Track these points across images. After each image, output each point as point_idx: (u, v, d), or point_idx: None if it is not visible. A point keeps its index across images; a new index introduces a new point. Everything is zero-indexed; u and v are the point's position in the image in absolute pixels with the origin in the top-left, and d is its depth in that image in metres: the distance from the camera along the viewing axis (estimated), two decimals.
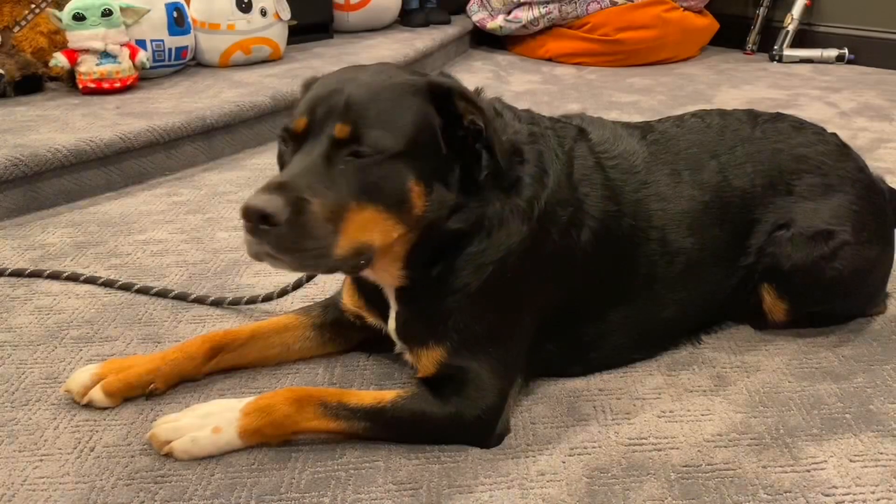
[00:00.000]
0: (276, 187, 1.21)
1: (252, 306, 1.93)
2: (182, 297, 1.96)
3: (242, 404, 1.42)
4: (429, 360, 1.47)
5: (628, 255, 1.63)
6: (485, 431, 1.44)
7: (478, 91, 1.57)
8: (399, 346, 1.58)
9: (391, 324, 1.55)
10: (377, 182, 1.27)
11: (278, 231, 1.19)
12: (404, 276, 1.44)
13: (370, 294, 1.59)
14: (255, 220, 1.20)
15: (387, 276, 1.47)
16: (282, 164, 1.40)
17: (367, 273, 1.45)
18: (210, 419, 1.42)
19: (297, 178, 1.23)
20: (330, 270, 1.33)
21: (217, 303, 1.93)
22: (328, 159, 1.26)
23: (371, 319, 1.63)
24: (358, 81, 1.33)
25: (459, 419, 1.43)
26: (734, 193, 1.74)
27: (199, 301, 1.94)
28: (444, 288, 1.44)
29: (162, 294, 1.97)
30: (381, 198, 1.28)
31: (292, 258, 1.24)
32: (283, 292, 1.90)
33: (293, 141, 1.32)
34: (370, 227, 1.29)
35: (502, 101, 1.60)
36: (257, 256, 1.25)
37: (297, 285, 1.89)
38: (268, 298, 1.90)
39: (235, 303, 1.92)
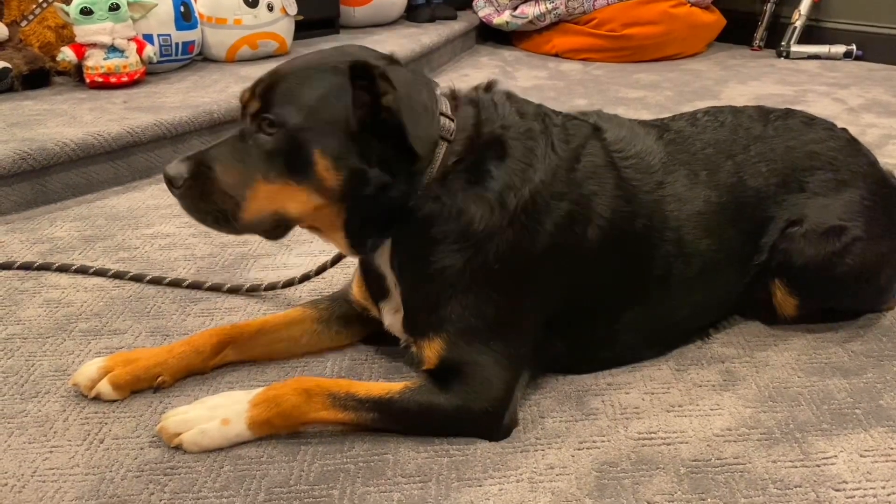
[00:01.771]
0: (188, 157, 1.38)
1: (264, 295, 1.94)
2: (196, 286, 1.98)
3: (251, 396, 1.42)
4: (431, 351, 1.48)
5: (642, 255, 1.62)
6: (492, 423, 1.44)
7: (491, 84, 1.57)
8: (403, 338, 1.58)
9: (386, 319, 1.57)
10: (281, 155, 1.36)
11: (180, 193, 1.37)
12: (347, 243, 1.50)
13: (374, 287, 1.59)
14: (167, 183, 1.38)
15: (337, 243, 1.53)
16: None
17: (319, 237, 1.53)
18: (219, 411, 1.42)
19: (210, 150, 1.40)
20: (242, 231, 1.43)
21: (234, 290, 1.96)
22: (242, 134, 1.39)
23: (376, 313, 1.64)
24: (294, 62, 1.43)
25: (466, 410, 1.43)
26: (749, 193, 1.73)
27: (215, 289, 1.97)
28: (424, 267, 1.46)
29: (175, 283, 1.98)
30: (286, 170, 1.37)
31: (195, 216, 1.40)
32: (305, 277, 1.94)
33: (241, 116, 1.43)
34: (281, 197, 1.38)
35: (513, 95, 1.59)
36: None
37: (321, 270, 1.93)
38: (289, 284, 1.94)
39: (254, 289, 1.95)
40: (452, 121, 1.46)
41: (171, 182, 1.37)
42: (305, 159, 1.36)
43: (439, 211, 1.44)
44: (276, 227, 1.43)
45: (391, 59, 1.45)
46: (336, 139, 1.36)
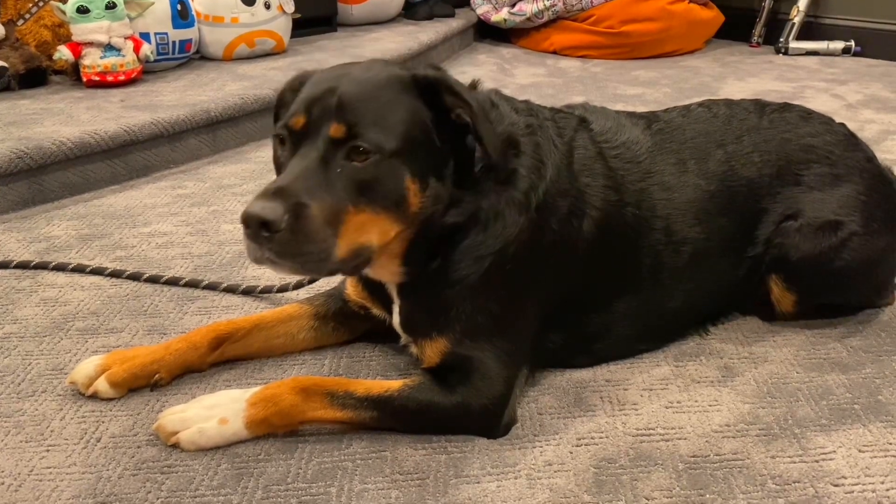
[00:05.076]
0: (275, 193, 1.21)
1: (263, 296, 1.93)
2: (193, 285, 1.97)
3: (249, 395, 1.42)
4: (433, 350, 1.47)
5: (632, 244, 1.62)
6: (491, 420, 1.44)
7: (475, 83, 1.56)
8: (404, 338, 1.58)
9: (395, 318, 1.55)
10: (374, 182, 1.26)
11: (279, 237, 1.19)
12: (403, 272, 1.44)
13: (373, 286, 1.58)
14: (256, 226, 1.20)
15: (386, 273, 1.47)
16: (278, 165, 1.38)
17: (367, 271, 1.45)
18: (216, 410, 1.41)
19: (295, 181, 1.22)
20: (331, 273, 1.34)
21: (230, 289, 1.95)
22: (325, 161, 1.24)
23: (376, 311, 1.63)
24: (350, 78, 1.32)
25: (466, 408, 1.43)
26: (741, 183, 1.73)
27: (211, 287, 1.96)
28: (443, 280, 1.43)
29: (172, 282, 1.98)
30: (378, 198, 1.27)
31: (293, 263, 1.24)
32: (299, 285, 1.91)
33: (291, 140, 1.30)
34: (368, 228, 1.28)
35: (500, 92, 1.59)
36: (258, 261, 1.25)
37: (312, 280, 1.90)
38: (283, 290, 1.92)
39: (249, 291, 1.94)
40: None
41: (266, 226, 1.18)
42: (398, 185, 1.28)
43: (476, 219, 1.41)
44: (359, 264, 1.32)
45: (435, 68, 1.40)
46: (423, 161, 1.31)
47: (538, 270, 1.50)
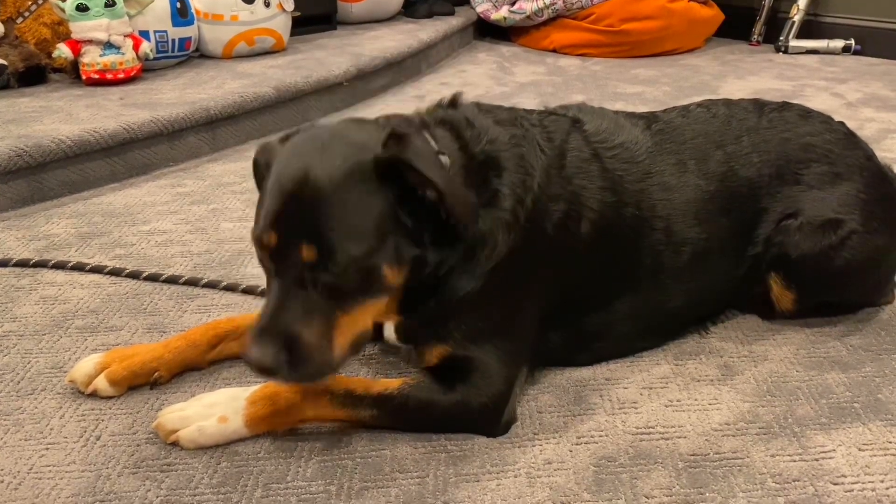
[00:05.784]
0: (264, 333, 1.25)
1: (264, 295, 1.93)
2: (193, 283, 1.97)
3: (248, 393, 1.42)
4: (433, 354, 1.47)
5: (632, 244, 1.62)
6: (491, 419, 1.44)
7: (455, 98, 1.54)
8: (403, 347, 1.58)
9: (387, 332, 1.54)
10: (354, 286, 1.27)
11: (282, 373, 1.26)
12: (398, 316, 1.47)
13: None
14: (262, 373, 1.27)
15: (384, 320, 1.49)
16: (264, 266, 1.33)
17: None
18: (216, 408, 1.41)
19: (280, 314, 1.25)
20: (337, 370, 1.35)
21: (230, 288, 1.95)
22: (302, 282, 1.25)
23: None
24: (313, 181, 1.25)
25: (465, 406, 1.42)
26: (741, 183, 1.72)
27: (211, 286, 1.96)
28: (440, 300, 1.43)
29: (172, 280, 1.98)
30: (361, 296, 1.28)
31: (304, 382, 1.35)
32: None
33: (267, 256, 1.28)
34: (359, 320, 1.31)
35: (481, 105, 1.56)
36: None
37: None
38: None
39: (249, 291, 1.94)
40: (444, 154, 1.40)
41: (270, 372, 1.25)
42: (378, 278, 1.28)
43: (466, 251, 1.40)
44: (359, 345, 1.36)
45: (397, 139, 1.31)
46: (398, 246, 1.29)
47: (536, 274, 1.50)
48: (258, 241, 1.28)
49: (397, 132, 1.32)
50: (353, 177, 1.26)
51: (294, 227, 1.25)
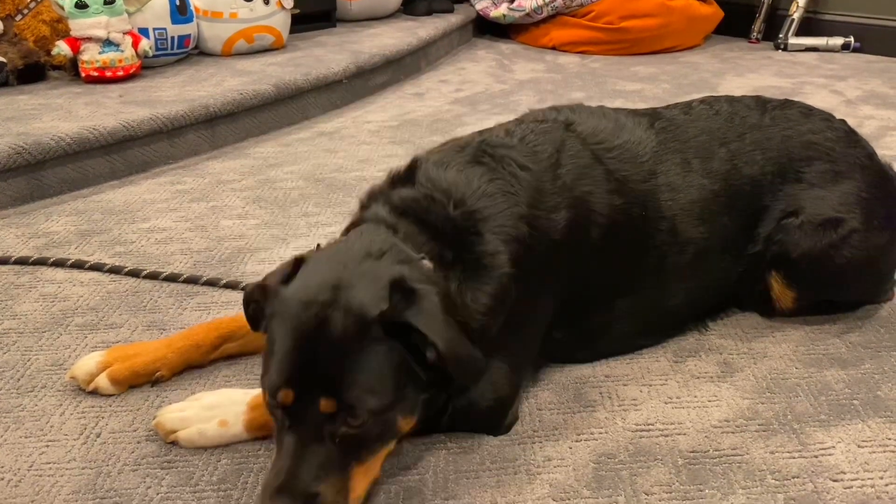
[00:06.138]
0: (285, 492, 1.17)
1: None
2: (193, 281, 1.97)
3: (249, 398, 1.41)
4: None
5: (638, 245, 1.62)
6: (496, 421, 1.44)
7: (411, 168, 1.47)
8: None
9: None
10: (371, 437, 1.24)
11: None
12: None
13: None
14: None
15: None
16: (275, 417, 1.27)
17: None
18: (216, 411, 1.41)
19: (298, 470, 1.19)
20: None
21: (230, 286, 1.94)
22: (319, 435, 1.21)
23: None
24: (327, 336, 1.21)
25: (472, 408, 1.42)
26: (743, 181, 1.72)
27: (211, 283, 1.96)
28: None
29: (172, 278, 1.98)
30: (377, 447, 1.26)
31: None
32: None
33: (282, 411, 1.23)
34: (372, 468, 1.28)
35: (438, 158, 1.49)
36: None
37: None
38: None
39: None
40: (423, 257, 1.34)
41: None
42: (393, 429, 1.26)
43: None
44: (369, 492, 1.32)
45: (398, 286, 1.26)
46: (412, 396, 1.27)
47: (546, 283, 1.49)
48: (273, 394, 1.23)
49: (403, 285, 1.25)
50: (365, 333, 1.22)
51: (312, 382, 1.21)
